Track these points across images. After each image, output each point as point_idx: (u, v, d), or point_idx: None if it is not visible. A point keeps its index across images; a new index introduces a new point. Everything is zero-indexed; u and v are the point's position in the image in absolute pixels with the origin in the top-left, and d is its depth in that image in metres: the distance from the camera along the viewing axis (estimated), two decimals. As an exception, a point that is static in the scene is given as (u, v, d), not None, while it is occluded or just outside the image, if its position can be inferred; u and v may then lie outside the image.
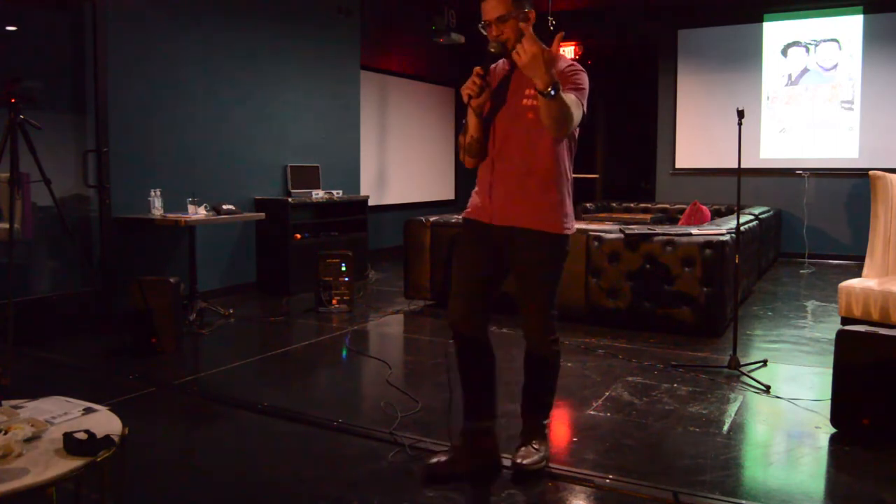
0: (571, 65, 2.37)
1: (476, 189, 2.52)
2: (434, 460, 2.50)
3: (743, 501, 2.30)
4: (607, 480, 2.45)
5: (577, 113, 2.25)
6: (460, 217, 2.62)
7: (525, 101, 2.34)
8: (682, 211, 7.68)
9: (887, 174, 4.14)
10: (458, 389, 2.57)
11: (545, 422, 2.60)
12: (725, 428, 2.96)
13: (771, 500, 2.32)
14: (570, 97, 2.21)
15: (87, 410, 1.94)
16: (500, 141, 2.39)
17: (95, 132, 4.78)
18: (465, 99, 2.32)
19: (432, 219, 5.46)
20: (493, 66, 2.41)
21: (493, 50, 2.31)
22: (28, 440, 1.71)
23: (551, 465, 2.58)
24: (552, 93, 2.10)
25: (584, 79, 2.36)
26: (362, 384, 3.86)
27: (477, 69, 2.29)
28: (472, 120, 2.38)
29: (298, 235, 6.19)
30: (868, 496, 2.37)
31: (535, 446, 2.52)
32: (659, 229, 4.88)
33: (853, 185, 7.90)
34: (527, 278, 2.45)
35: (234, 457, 2.77)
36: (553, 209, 2.39)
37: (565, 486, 2.43)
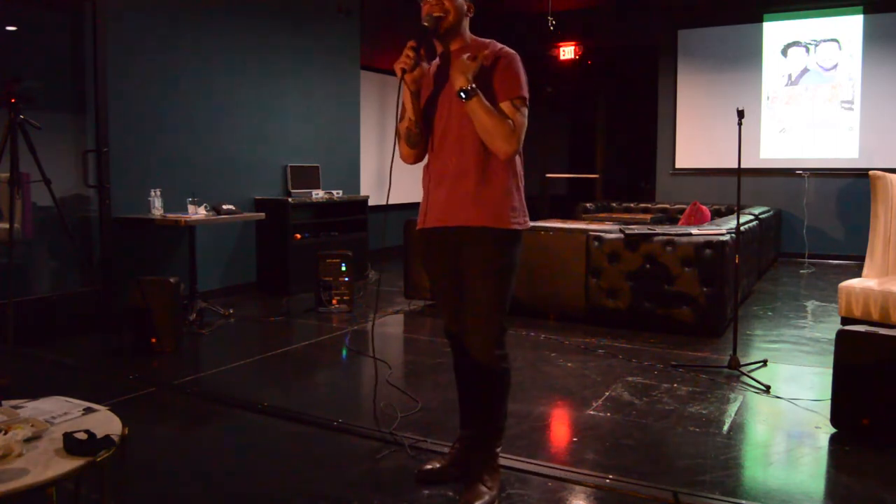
0: (503, 57, 2.23)
1: (424, 192, 2.40)
2: (428, 467, 2.48)
3: (743, 501, 2.30)
4: (607, 480, 2.45)
5: (522, 119, 2.18)
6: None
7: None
8: (682, 211, 7.69)
9: (887, 174, 4.14)
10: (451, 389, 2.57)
11: (499, 449, 2.39)
12: (725, 428, 2.96)
13: (771, 500, 2.32)
14: (505, 120, 2.15)
15: (87, 410, 1.94)
16: (440, 138, 2.29)
17: (95, 132, 4.78)
18: (399, 73, 2.20)
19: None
20: (429, 66, 2.33)
21: (425, 24, 2.21)
22: (28, 440, 1.70)
23: (551, 464, 2.58)
24: (462, 96, 2.10)
25: (517, 65, 2.23)
26: (362, 384, 3.85)
27: (410, 42, 2.20)
28: (407, 100, 2.26)
29: (298, 235, 6.19)
30: (868, 496, 2.37)
31: (486, 484, 2.29)
32: (659, 229, 4.88)
33: (853, 185, 7.89)
34: (470, 277, 2.27)
35: (234, 457, 2.77)
36: (497, 204, 2.24)
37: (565, 486, 2.43)
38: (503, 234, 2.26)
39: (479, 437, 2.39)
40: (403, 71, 2.19)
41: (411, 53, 2.18)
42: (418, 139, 2.33)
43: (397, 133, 2.36)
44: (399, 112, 2.35)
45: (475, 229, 2.25)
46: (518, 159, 2.32)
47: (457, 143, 2.26)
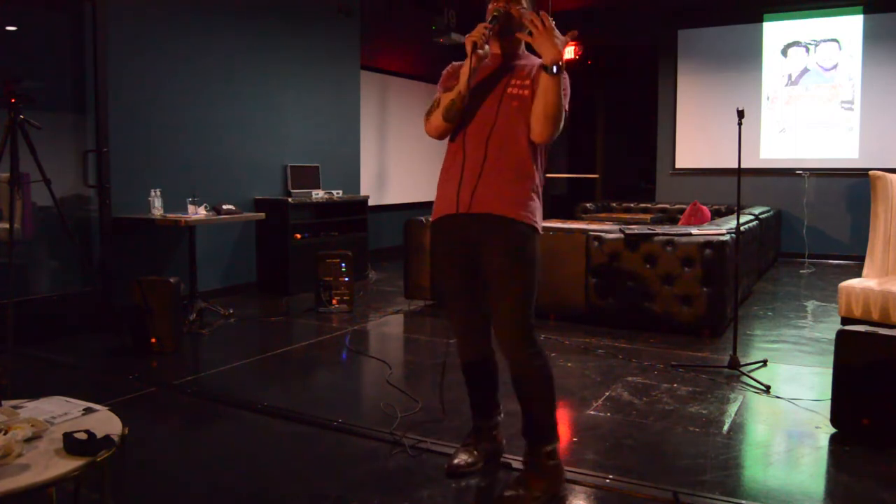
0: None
1: (443, 182, 2.42)
2: (456, 461, 2.51)
3: (743, 501, 2.30)
4: (607, 480, 2.45)
5: (564, 117, 2.27)
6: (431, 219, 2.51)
7: (511, 89, 2.31)
8: (682, 211, 7.69)
9: (887, 174, 4.14)
10: (452, 389, 2.58)
11: (549, 448, 2.34)
12: (725, 428, 2.96)
13: (771, 500, 2.32)
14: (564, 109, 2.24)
15: (87, 410, 1.93)
16: (480, 129, 2.32)
17: (95, 132, 4.78)
18: (470, 47, 2.24)
19: (432, 219, 5.46)
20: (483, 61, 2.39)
21: (494, 14, 2.28)
22: (28, 440, 1.70)
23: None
24: (554, 70, 2.14)
25: (567, 82, 2.34)
26: (362, 384, 3.86)
27: (484, 23, 2.27)
28: (467, 73, 2.27)
29: (298, 235, 6.19)
30: (868, 496, 2.37)
31: (523, 487, 2.30)
32: (659, 229, 4.88)
33: (853, 185, 7.90)
34: (498, 271, 2.30)
35: (234, 457, 2.77)
36: (528, 203, 2.31)
37: (565, 485, 2.43)
38: (527, 229, 2.31)
39: (529, 435, 2.40)
40: (474, 45, 2.24)
41: (486, 32, 2.25)
42: (457, 115, 2.32)
43: (436, 103, 2.36)
44: (448, 83, 2.37)
45: (505, 219, 2.28)
46: (541, 165, 2.39)
47: (505, 133, 2.30)
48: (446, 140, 2.42)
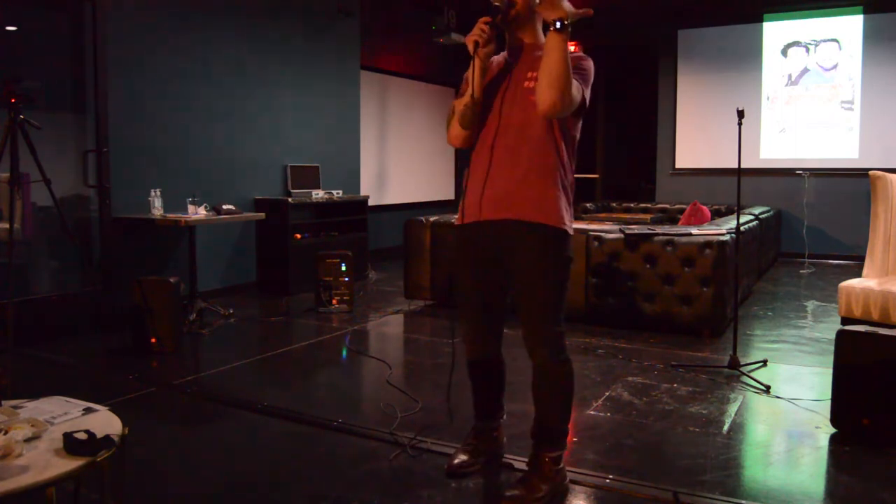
0: (575, 51, 2.28)
1: (466, 188, 2.34)
2: (456, 461, 2.51)
3: (743, 501, 2.30)
4: (607, 480, 2.45)
5: (577, 94, 2.14)
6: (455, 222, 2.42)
7: (527, 83, 2.21)
8: (682, 211, 7.69)
9: (887, 174, 4.14)
10: (454, 390, 2.58)
11: (554, 454, 2.34)
12: (725, 428, 2.96)
13: (771, 500, 2.32)
14: (574, 76, 2.13)
15: (87, 410, 1.93)
16: (498, 129, 2.24)
17: (95, 132, 4.78)
18: (472, 47, 2.15)
19: (432, 219, 5.47)
20: (490, 59, 2.32)
21: (495, 4, 2.19)
22: (28, 440, 1.70)
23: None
24: (559, 25, 2.05)
25: (589, 66, 2.25)
26: (362, 384, 3.86)
27: (484, 18, 2.18)
28: (476, 75, 2.18)
29: (298, 235, 6.19)
30: (868, 496, 2.37)
31: (523, 486, 2.29)
32: (659, 229, 4.88)
33: (853, 185, 7.89)
34: (526, 278, 2.25)
35: (234, 457, 2.77)
36: (553, 203, 2.21)
37: (567, 486, 2.43)
38: (557, 233, 2.24)
39: (537, 439, 2.38)
40: (476, 44, 2.15)
41: (486, 28, 2.16)
42: (474, 119, 2.24)
43: (452, 111, 2.29)
44: (461, 88, 2.29)
45: (531, 224, 2.22)
46: (571, 162, 2.30)
47: (525, 132, 2.21)
48: (454, 141, 2.34)
